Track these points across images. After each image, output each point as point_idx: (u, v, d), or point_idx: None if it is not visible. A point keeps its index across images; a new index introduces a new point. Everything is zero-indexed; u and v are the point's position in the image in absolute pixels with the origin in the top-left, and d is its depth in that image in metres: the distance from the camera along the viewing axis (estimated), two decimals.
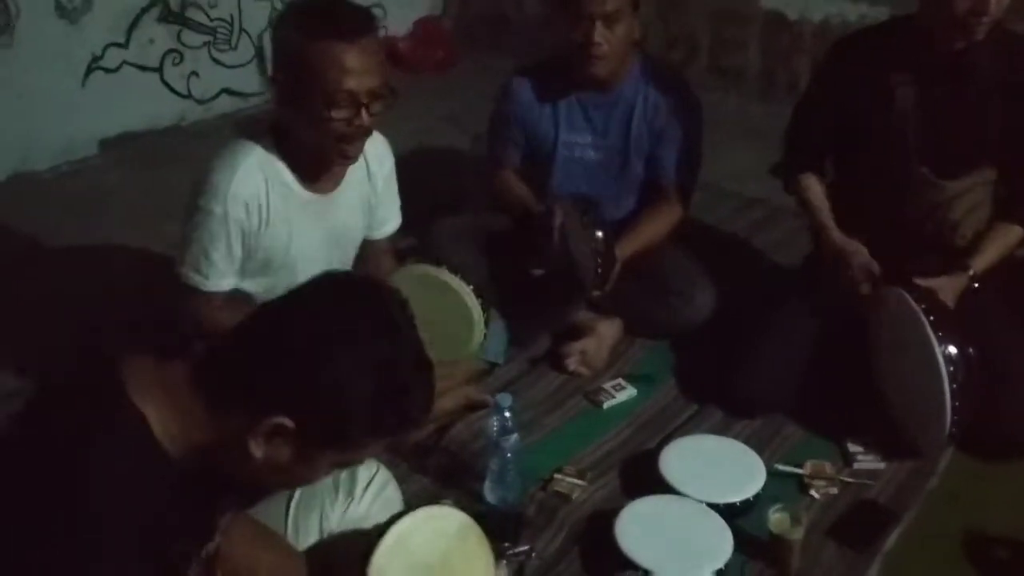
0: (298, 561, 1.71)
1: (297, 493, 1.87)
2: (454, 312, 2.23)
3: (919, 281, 2.35)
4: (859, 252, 2.45)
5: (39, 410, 1.32)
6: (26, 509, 1.21)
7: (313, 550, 1.80)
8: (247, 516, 1.73)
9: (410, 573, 1.64)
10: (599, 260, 2.56)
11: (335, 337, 1.31)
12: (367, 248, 2.50)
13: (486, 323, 2.27)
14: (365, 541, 1.66)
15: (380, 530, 1.67)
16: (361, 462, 1.45)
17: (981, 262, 2.46)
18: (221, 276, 2.20)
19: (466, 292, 2.21)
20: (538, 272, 2.73)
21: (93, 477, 1.21)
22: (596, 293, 2.64)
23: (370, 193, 2.41)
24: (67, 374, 1.36)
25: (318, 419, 1.31)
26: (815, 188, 2.65)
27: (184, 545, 1.33)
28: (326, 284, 1.40)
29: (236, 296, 2.28)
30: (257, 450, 1.31)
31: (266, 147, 2.19)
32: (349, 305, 1.37)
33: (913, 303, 2.27)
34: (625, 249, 2.69)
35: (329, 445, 1.35)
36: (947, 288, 2.39)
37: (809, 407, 2.56)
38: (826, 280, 2.57)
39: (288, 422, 1.29)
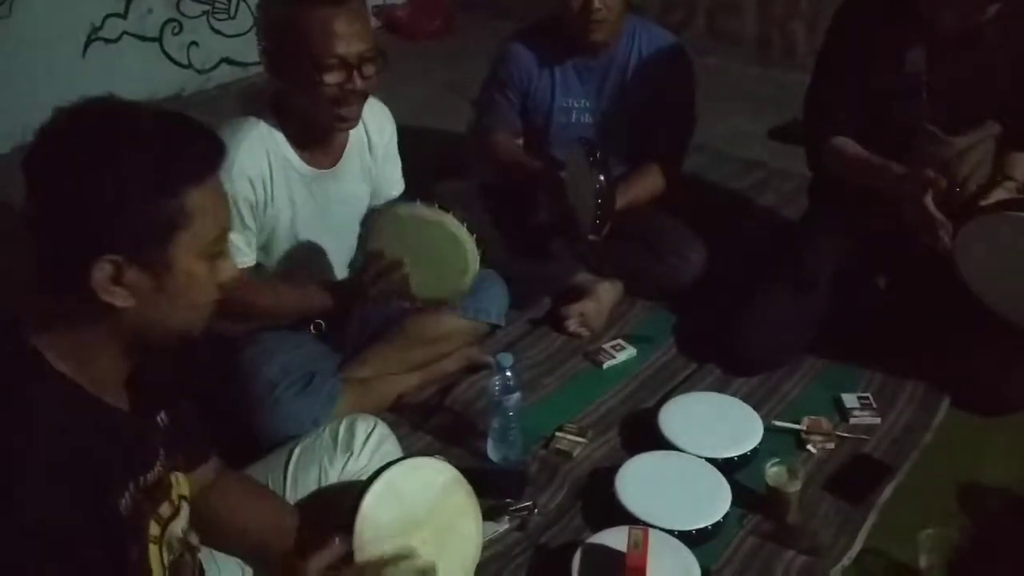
0: (290, 517, 1.70)
1: (296, 451, 1.89)
2: (446, 245, 2.20)
3: (984, 203, 2.28)
4: (923, 171, 2.34)
5: None
6: None
7: (307, 503, 1.81)
8: (238, 473, 1.74)
9: (398, 521, 1.64)
10: (600, 202, 2.56)
11: (65, 160, 1.22)
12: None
13: (481, 256, 2.26)
14: (355, 490, 1.65)
15: (369, 478, 1.66)
16: (221, 228, 1.31)
17: (1020, 174, 2.41)
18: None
19: (454, 223, 2.19)
20: (541, 219, 2.77)
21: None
22: (592, 238, 2.65)
23: (371, 163, 2.41)
24: None
25: (120, 228, 1.21)
26: (851, 144, 2.55)
27: (120, 477, 1.28)
28: (37, 144, 1.26)
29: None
30: (123, 299, 1.23)
31: (268, 123, 2.18)
32: (58, 135, 1.24)
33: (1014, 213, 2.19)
34: (618, 200, 2.69)
35: (160, 239, 1.23)
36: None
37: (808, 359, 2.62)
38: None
39: (108, 257, 1.20)
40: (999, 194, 2.31)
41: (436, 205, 2.19)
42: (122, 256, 1.21)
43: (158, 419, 1.43)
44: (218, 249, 1.31)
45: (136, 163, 1.21)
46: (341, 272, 2.47)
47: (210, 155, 1.28)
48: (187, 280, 1.27)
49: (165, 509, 1.39)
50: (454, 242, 2.19)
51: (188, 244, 1.26)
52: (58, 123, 1.24)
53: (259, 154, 2.16)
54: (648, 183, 2.89)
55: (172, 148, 1.24)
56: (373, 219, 2.30)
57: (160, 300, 1.26)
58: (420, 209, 2.19)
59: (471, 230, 2.19)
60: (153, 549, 1.34)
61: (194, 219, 1.25)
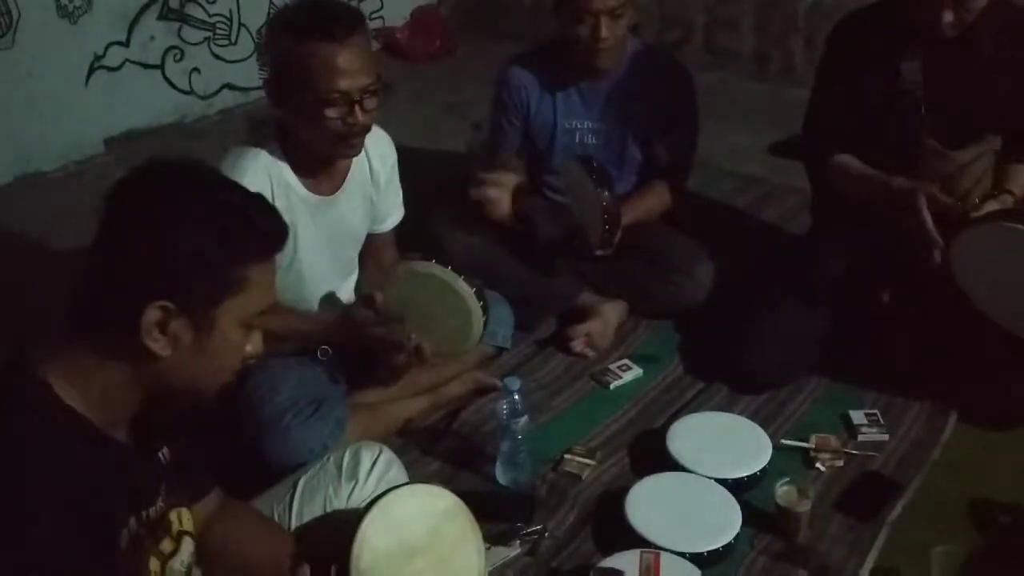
0: (289, 546, 1.71)
1: (301, 481, 1.89)
2: (452, 307, 2.27)
3: (976, 215, 2.26)
4: (926, 186, 2.34)
5: None
6: None
7: (310, 531, 1.82)
8: (241, 505, 1.75)
9: (396, 548, 1.65)
10: (606, 216, 2.57)
11: (149, 207, 1.32)
12: (370, 240, 2.54)
13: (484, 323, 2.32)
14: (355, 516, 1.66)
15: (367, 505, 1.67)
16: (268, 303, 1.39)
17: (1017, 187, 2.42)
18: None
19: (463, 287, 2.26)
20: (547, 238, 2.79)
21: (6, 458, 1.22)
22: (600, 252, 2.66)
23: (373, 191, 2.44)
24: None
25: (183, 280, 1.29)
26: (853, 160, 2.55)
27: (122, 511, 1.32)
28: (122, 186, 1.37)
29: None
30: (161, 347, 1.29)
31: (271, 151, 2.21)
32: (147, 183, 1.36)
33: (1009, 223, 2.18)
34: (624, 216, 2.68)
35: (215, 299, 1.32)
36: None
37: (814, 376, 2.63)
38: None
39: (163, 303, 1.27)
40: (994, 207, 2.32)
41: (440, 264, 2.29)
42: (175, 305, 1.28)
43: (160, 455, 1.46)
44: (257, 322, 1.40)
45: (219, 227, 1.32)
46: (340, 293, 2.49)
47: (279, 237, 1.40)
48: (222, 343, 1.35)
49: (166, 545, 1.42)
50: (462, 307, 2.28)
51: (235, 310, 1.35)
52: (153, 168, 1.35)
53: (262, 183, 2.17)
54: (654, 200, 2.91)
55: (251, 221, 1.36)
56: (389, 271, 2.36)
57: (193, 357, 1.33)
58: (434, 268, 2.28)
59: (479, 295, 2.28)
60: None
61: (249, 289, 1.35)
